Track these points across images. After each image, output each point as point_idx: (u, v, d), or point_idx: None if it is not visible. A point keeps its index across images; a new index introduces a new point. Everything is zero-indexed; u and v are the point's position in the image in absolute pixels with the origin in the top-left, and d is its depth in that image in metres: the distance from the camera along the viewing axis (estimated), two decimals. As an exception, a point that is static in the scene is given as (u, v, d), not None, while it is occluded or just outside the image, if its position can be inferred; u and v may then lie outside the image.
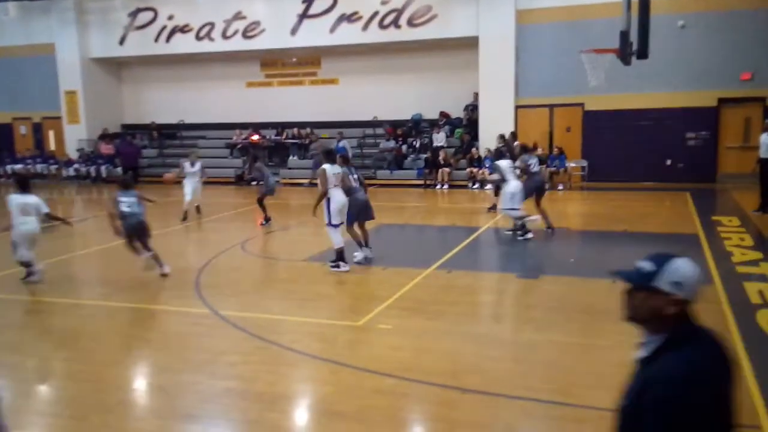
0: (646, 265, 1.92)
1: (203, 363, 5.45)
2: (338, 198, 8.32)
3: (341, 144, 18.40)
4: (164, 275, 8.16)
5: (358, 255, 8.68)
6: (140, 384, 5.32)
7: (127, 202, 8.19)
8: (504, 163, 10.42)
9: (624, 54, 11.15)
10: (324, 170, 8.29)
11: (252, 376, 5.19)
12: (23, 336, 6.46)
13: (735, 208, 12.38)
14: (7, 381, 5.33)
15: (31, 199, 7.99)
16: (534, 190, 10.69)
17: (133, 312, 6.98)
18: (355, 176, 8.85)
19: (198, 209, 12.51)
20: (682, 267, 1.90)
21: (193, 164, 12.24)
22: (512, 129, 17.18)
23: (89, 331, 6.61)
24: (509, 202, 10.17)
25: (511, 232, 10.47)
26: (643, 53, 10.83)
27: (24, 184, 8.20)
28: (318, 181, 8.42)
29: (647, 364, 1.91)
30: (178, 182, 12.39)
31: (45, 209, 8.01)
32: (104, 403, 4.74)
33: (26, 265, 8.02)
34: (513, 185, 10.18)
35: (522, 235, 10.15)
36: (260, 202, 11.89)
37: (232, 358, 5.58)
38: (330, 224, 8.27)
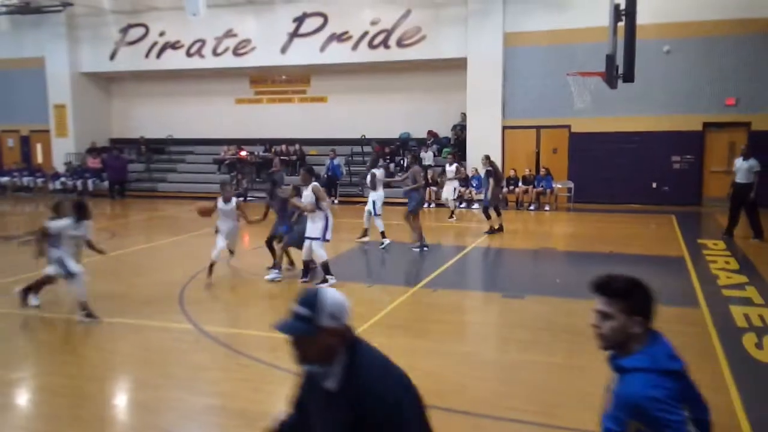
0: (303, 311, 1.92)
1: (184, 379, 5.36)
2: (331, 216, 8.50)
3: (335, 162, 18.42)
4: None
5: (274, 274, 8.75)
6: (120, 400, 5.21)
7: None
8: (377, 172, 11.64)
9: (610, 77, 11.32)
10: (319, 186, 8.42)
11: (234, 393, 5.10)
12: (4, 350, 6.32)
13: (720, 232, 12.49)
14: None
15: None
16: (421, 203, 11.47)
17: (115, 327, 6.87)
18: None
19: (231, 252, 9.81)
20: (331, 298, 1.95)
21: (227, 201, 9.42)
22: (499, 150, 17.34)
23: (70, 345, 6.49)
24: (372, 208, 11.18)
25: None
26: (629, 77, 11.00)
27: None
28: (315, 197, 8.34)
29: (342, 391, 1.92)
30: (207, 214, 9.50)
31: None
32: (82, 418, 4.64)
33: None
34: (375, 194, 11.29)
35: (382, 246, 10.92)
36: (270, 243, 9.43)
37: (213, 374, 5.50)
38: (324, 239, 8.34)
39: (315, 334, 1.90)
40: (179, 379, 5.37)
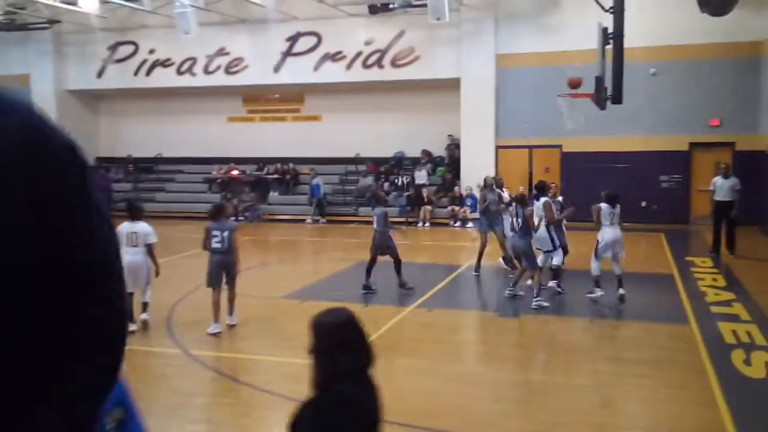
0: None
1: (172, 406, 5.26)
2: None
3: (315, 181, 18.43)
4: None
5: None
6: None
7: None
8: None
9: (599, 99, 11.48)
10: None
11: (223, 419, 5.03)
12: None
13: (707, 250, 12.61)
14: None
15: (140, 227, 7.33)
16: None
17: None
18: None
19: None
20: None
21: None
22: (493, 169, 17.42)
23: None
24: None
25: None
26: (617, 99, 11.16)
27: (134, 211, 7.53)
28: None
29: None
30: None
31: (152, 239, 7.31)
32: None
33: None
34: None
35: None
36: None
37: (202, 400, 5.42)
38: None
39: None
40: (167, 405, 5.28)
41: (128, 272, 6.94)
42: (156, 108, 21.91)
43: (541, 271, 8.60)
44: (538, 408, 5.11)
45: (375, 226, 9.25)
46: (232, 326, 7.40)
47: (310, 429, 2.11)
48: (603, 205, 8.94)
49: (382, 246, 9.03)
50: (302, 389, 5.90)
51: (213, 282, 7.20)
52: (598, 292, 8.45)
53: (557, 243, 8.99)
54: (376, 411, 2.17)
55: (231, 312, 7.43)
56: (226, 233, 7.15)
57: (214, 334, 7.07)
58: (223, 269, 7.19)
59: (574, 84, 12.35)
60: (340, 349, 2.14)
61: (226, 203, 7.78)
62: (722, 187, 11.88)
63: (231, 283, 7.31)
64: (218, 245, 7.13)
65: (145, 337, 7.12)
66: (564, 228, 9.68)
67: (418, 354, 6.53)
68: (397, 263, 9.09)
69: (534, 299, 8.16)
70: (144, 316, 7.36)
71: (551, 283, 8.91)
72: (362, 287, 9.04)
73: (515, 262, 9.21)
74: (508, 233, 9.62)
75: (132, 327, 7.10)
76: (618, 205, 9.01)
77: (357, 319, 2.21)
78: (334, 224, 17.71)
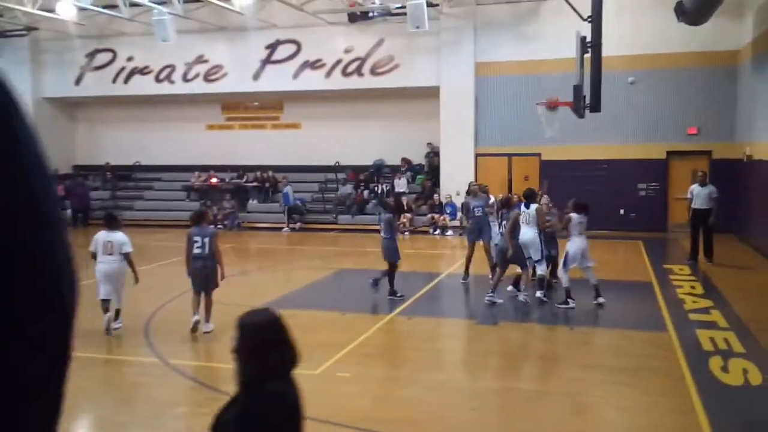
0: None
1: (150, 416, 5.15)
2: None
3: (285, 189, 18.33)
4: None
5: None
6: (79, 439, 4.97)
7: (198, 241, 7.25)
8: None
9: (577, 107, 11.59)
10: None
11: (202, 429, 4.90)
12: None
13: (685, 257, 12.77)
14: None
15: (116, 236, 7.38)
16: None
17: (76, 360, 6.56)
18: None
19: None
20: None
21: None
22: (472, 177, 17.48)
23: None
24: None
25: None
26: (595, 107, 11.28)
27: (111, 221, 7.62)
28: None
29: None
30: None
31: (128, 249, 7.37)
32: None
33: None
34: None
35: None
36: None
37: (180, 410, 5.31)
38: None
39: None
40: (145, 415, 5.17)
41: (105, 279, 7.09)
42: (134, 116, 21.66)
43: (526, 270, 8.71)
44: (517, 416, 5.09)
45: (382, 233, 9.28)
46: (207, 333, 7.32)
47: (237, 428, 2.13)
48: (573, 215, 8.90)
49: (389, 251, 9.09)
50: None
51: (198, 287, 7.27)
52: (571, 303, 8.48)
53: (544, 253, 8.92)
54: (300, 409, 2.23)
55: (207, 319, 7.35)
56: (206, 239, 7.18)
57: (193, 331, 7.13)
58: (204, 274, 7.15)
59: (552, 105, 12.69)
60: (266, 349, 2.18)
61: (207, 209, 7.98)
62: (699, 195, 12.01)
63: (208, 290, 7.27)
64: (199, 250, 7.13)
65: (121, 346, 6.99)
66: (556, 238, 9.52)
67: (398, 362, 6.48)
68: (393, 271, 9.10)
69: (522, 294, 8.67)
70: (116, 324, 7.32)
71: (537, 293, 8.87)
72: (389, 293, 9.07)
73: (497, 269, 9.22)
74: (496, 237, 9.63)
75: (116, 325, 7.22)
76: (586, 215, 8.96)
77: (282, 320, 2.25)
78: (314, 232, 17.62)
